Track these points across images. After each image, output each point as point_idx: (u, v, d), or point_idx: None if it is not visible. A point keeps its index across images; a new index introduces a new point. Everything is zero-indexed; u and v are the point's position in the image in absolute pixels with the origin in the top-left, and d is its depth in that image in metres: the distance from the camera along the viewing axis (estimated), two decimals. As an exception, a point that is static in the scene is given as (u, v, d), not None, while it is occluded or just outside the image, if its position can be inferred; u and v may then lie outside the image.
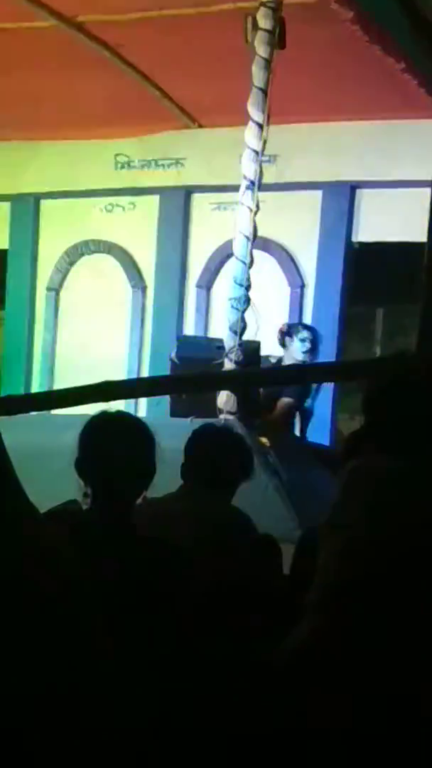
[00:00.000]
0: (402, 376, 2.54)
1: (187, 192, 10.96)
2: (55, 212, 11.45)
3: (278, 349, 8.83)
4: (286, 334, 8.70)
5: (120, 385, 5.98)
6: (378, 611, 2.08)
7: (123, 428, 3.34)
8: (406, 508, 2.20)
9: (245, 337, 7.83)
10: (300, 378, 7.57)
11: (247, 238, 7.79)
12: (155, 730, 2.67)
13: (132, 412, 6.76)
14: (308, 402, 8.82)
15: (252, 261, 7.82)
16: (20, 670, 2.20)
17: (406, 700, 2.09)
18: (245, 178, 7.80)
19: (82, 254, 11.36)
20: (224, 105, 9.21)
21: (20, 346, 11.46)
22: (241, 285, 7.78)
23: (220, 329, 8.51)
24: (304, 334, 8.69)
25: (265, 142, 7.77)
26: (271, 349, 8.69)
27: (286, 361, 8.58)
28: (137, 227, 11.11)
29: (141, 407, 9.34)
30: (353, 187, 10.38)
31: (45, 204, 11.50)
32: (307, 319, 10.08)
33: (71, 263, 11.39)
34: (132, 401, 9.07)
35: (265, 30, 7.76)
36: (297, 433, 8.84)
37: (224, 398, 7.56)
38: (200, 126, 10.67)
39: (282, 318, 9.75)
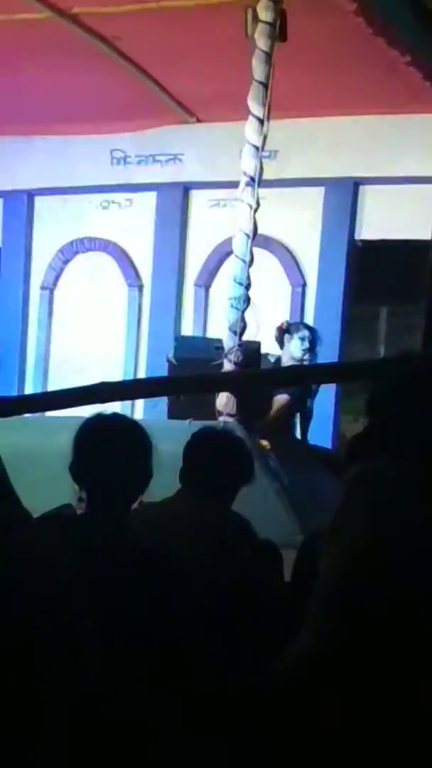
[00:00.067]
0: (406, 377, 2.53)
1: (186, 188, 10.97)
2: (49, 209, 11.46)
3: (278, 349, 8.82)
4: (285, 331, 8.69)
5: (116, 386, 5.96)
6: (381, 622, 2.07)
7: (119, 431, 3.33)
8: (412, 513, 2.19)
9: (245, 338, 7.83)
10: (301, 379, 7.56)
11: (247, 235, 7.79)
12: (149, 737, 2.66)
13: (128, 414, 6.75)
14: (308, 402, 8.82)
15: (252, 259, 7.81)
16: (14, 675, 2.20)
17: (410, 717, 2.08)
18: (245, 174, 7.81)
19: (77, 252, 11.37)
20: (224, 99, 9.21)
21: (13, 347, 11.46)
22: (240, 284, 7.78)
23: (219, 329, 8.51)
24: (304, 332, 8.69)
25: (265, 137, 7.77)
26: (271, 349, 8.69)
27: (285, 360, 8.57)
28: (134, 224, 11.12)
29: (138, 409, 9.34)
30: (356, 183, 10.39)
31: (39, 200, 11.51)
32: (309, 319, 10.08)
33: (66, 261, 11.40)
34: (128, 403, 9.07)
35: (266, 22, 7.76)
36: (298, 435, 8.83)
37: (223, 400, 7.56)
38: (199, 120, 10.67)
39: (283, 318, 9.74)
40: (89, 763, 2.40)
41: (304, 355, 8.55)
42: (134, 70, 9.58)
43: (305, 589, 2.23)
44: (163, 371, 8.27)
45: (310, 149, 10.18)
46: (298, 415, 8.79)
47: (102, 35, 9.00)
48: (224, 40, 8.21)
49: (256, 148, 7.77)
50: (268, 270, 10.01)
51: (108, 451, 3.27)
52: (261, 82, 7.76)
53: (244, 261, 7.79)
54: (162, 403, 8.00)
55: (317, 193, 10.46)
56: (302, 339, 8.62)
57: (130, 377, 10.56)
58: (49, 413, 6.56)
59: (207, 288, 10.84)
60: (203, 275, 10.85)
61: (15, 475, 2.92)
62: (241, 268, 7.79)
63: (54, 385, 10.71)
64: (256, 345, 8.10)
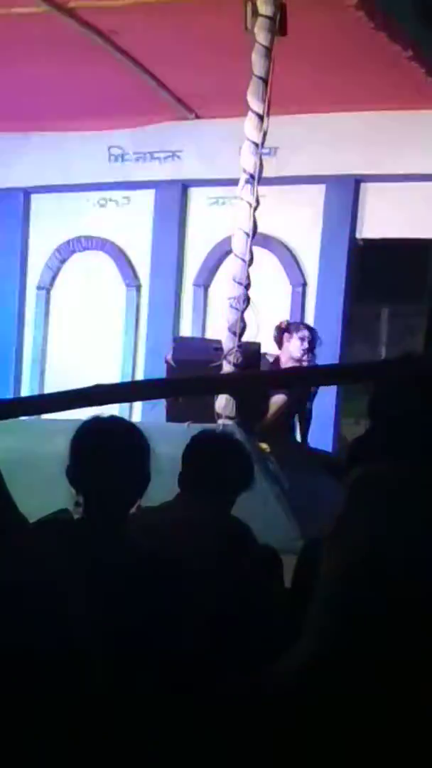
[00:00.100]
0: (409, 378, 2.53)
1: (184, 186, 10.97)
2: (45, 207, 11.46)
3: (276, 348, 8.81)
4: (284, 331, 8.70)
5: (113, 388, 5.96)
6: (383, 627, 2.08)
7: (116, 434, 3.34)
8: (414, 517, 2.19)
9: (245, 338, 7.83)
10: (302, 381, 7.56)
11: (247, 234, 7.78)
12: (149, 741, 2.67)
13: (126, 416, 6.74)
14: (306, 403, 8.83)
15: (252, 258, 7.81)
16: (12, 681, 2.21)
17: (411, 720, 2.09)
18: (245, 171, 7.80)
19: (74, 251, 11.37)
20: (223, 95, 9.21)
21: (9, 348, 11.46)
22: (240, 283, 7.77)
23: (218, 330, 8.50)
24: (304, 332, 8.70)
25: (265, 134, 7.77)
26: (271, 350, 8.69)
27: (283, 360, 8.58)
28: (132, 223, 11.12)
29: (135, 412, 9.34)
30: (357, 181, 10.39)
31: (35, 198, 11.51)
32: (309, 319, 10.08)
33: (62, 260, 11.41)
34: (126, 405, 9.08)
35: (266, 16, 7.76)
36: (298, 438, 8.84)
37: (223, 402, 7.56)
38: (198, 117, 10.67)
39: (283, 318, 9.75)
40: (90, 765, 2.40)
41: (303, 355, 8.56)
42: (132, 65, 9.58)
43: (305, 595, 2.23)
44: (161, 373, 8.27)
45: (310, 146, 10.18)
46: (297, 416, 8.80)
47: (99, 29, 9.01)
48: (223, 35, 8.21)
49: (256, 144, 7.77)
50: (268, 269, 10.02)
51: (105, 454, 3.28)
52: (261, 78, 7.76)
53: (243, 260, 7.79)
54: (160, 405, 8.00)
55: (318, 191, 10.46)
56: (302, 339, 8.63)
57: (128, 379, 10.56)
58: (45, 416, 6.56)
59: (206, 288, 10.84)
60: (202, 275, 10.86)
61: (11, 479, 2.92)
62: (240, 268, 7.79)
63: (50, 386, 10.71)
64: (256, 346, 8.10)
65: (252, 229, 7.79)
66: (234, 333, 7.72)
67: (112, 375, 10.23)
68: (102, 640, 2.62)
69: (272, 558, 4.25)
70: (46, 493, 3.34)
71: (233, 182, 8.16)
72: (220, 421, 7.45)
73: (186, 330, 10.80)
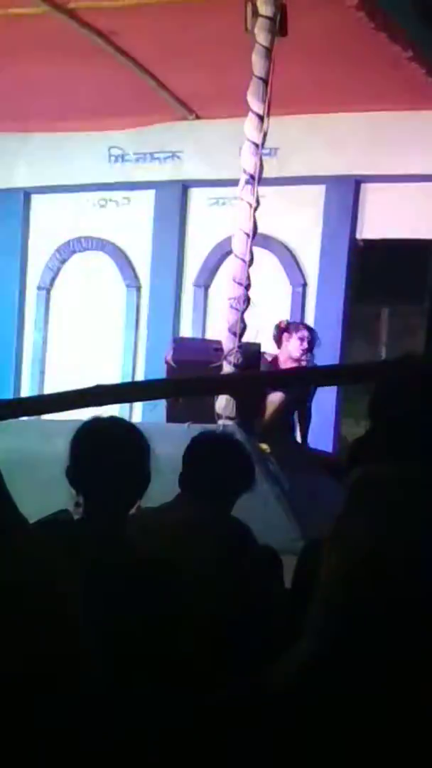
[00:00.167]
0: (409, 378, 2.52)
1: (184, 186, 10.97)
2: (45, 207, 11.46)
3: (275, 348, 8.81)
4: (284, 330, 8.70)
5: (113, 388, 5.97)
6: (384, 629, 2.07)
7: (116, 434, 3.33)
8: (416, 518, 2.19)
9: (245, 339, 7.82)
10: (302, 381, 7.57)
11: (247, 234, 7.78)
12: (149, 748, 2.66)
13: (126, 417, 6.75)
14: (306, 402, 8.83)
15: (252, 259, 7.81)
16: (9, 684, 2.20)
17: (412, 722, 2.08)
18: (245, 172, 7.80)
19: (74, 251, 11.37)
20: (223, 95, 9.22)
21: (9, 348, 11.47)
22: (240, 284, 7.77)
23: (218, 330, 8.50)
24: (303, 333, 8.70)
25: (265, 135, 7.77)
26: (270, 349, 8.69)
27: (282, 360, 8.59)
28: (132, 223, 11.12)
29: (136, 412, 9.35)
30: (358, 182, 10.40)
31: (35, 198, 11.52)
32: (310, 319, 10.09)
33: (63, 261, 11.41)
34: (126, 406, 9.08)
35: (266, 17, 7.76)
36: (298, 438, 8.84)
37: (223, 403, 7.56)
38: (198, 117, 10.68)
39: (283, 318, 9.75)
40: (89, 766, 2.40)
41: (302, 355, 8.56)
42: (132, 65, 9.58)
43: (305, 596, 2.23)
44: (161, 373, 8.27)
45: (310, 146, 10.18)
46: (296, 415, 8.79)
47: (99, 30, 9.01)
48: (223, 35, 8.22)
49: (256, 145, 7.77)
50: (268, 270, 10.02)
51: (105, 454, 3.27)
52: (261, 78, 7.76)
53: (243, 261, 7.78)
54: (160, 405, 8.00)
55: (318, 192, 10.46)
56: (301, 339, 8.64)
57: (128, 379, 10.56)
58: (45, 416, 6.56)
59: (206, 288, 10.84)
60: (202, 275, 10.86)
61: (11, 480, 2.92)
62: (240, 268, 7.79)
63: (51, 387, 10.72)
64: (256, 346, 8.10)
65: (252, 230, 7.78)
66: (234, 333, 7.72)
67: (112, 375, 10.23)
68: (102, 641, 2.61)
69: (272, 558, 4.25)
70: (46, 494, 3.34)
71: (233, 183, 8.16)
72: (221, 422, 7.45)
73: (186, 330, 10.80)
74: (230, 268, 8.06)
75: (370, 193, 10.40)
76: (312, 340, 8.65)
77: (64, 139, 11.00)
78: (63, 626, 2.29)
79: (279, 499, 6.89)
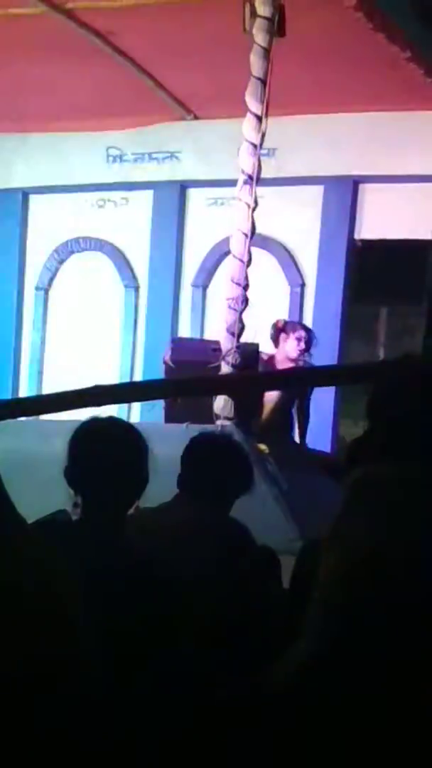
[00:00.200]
0: (408, 379, 2.52)
1: (183, 187, 10.97)
2: (43, 208, 11.46)
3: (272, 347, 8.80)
4: (281, 330, 8.70)
5: (112, 389, 5.96)
6: (383, 629, 2.07)
7: (115, 435, 3.34)
8: (414, 518, 2.19)
9: (243, 339, 7.82)
10: (301, 382, 7.57)
11: (245, 235, 7.78)
12: (148, 749, 2.66)
13: (124, 417, 6.75)
14: (304, 401, 8.82)
15: (250, 259, 7.81)
16: (8, 685, 2.20)
17: (412, 723, 2.08)
18: (243, 172, 7.80)
19: (72, 252, 11.37)
20: (221, 96, 9.21)
21: (7, 349, 11.46)
22: (238, 284, 7.77)
23: (216, 330, 8.50)
24: (301, 333, 8.70)
25: (263, 135, 7.76)
26: (268, 349, 8.69)
27: (279, 359, 8.59)
28: (130, 224, 11.12)
29: (134, 412, 9.34)
30: (356, 182, 10.39)
31: (33, 199, 11.51)
32: (308, 319, 10.09)
33: (61, 261, 11.40)
34: (124, 406, 9.08)
35: (264, 17, 7.76)
36: (296, 438, 8.84)
37: (221, 403, 7.56)
38: (196, 117, 10.67)
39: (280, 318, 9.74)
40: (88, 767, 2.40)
41: (299, 356, 8.57)
42: (130, 65, 9.58)
43: (304, 596, 2.23)
44: (159, 374, 8.26)
45: (309, 147, 10.18)
46: (293, 414, 8.79)
47: (97, 30, 9.01)
48: (222, 36, 8.22)
49: (254, 145, 7.77)
50: (266, 270, 10.02)
51: (103, 455, 3.28)
52: (259, 79, 7.76)
53: (242, 261, 7.78)
54: (158, 406, 8.00)
55: (316, 192, 10.46)
56: (298, 340, 8.64)
57: (126, 379, 10.56)
58: (43, 416, 6.56)
59: (204, 288, 10.84)
60: (201, 275, 10.86)
61: (9, 480, 2.91)
62: (239, 269, 7.79)
63: (49, 387, 10.71)
64: (255, 347, 8.10)
65: (250, 230, 7.78)
66: (232, 334, 7.72)
67: (110, 376, 10.23)
68: (100, 642, 2.61)
69: (270, 559, 4.25)
70: (44, 494, 3.34)
71: (232, 183, 8.15)
72: (219, 422, 7.45)
73: (184, 331, 10.80)
74: (228, 268, 8.05)
75: (369, 193, 10.40)
76: (309, 341, 8.66)
77: (62, 139, 11.00)
78: (61, 627, 2.29)
79: (277, 499, 6.89)
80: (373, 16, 8.32)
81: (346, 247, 10.44)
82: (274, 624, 3.65)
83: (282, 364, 8.58)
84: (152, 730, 2.67)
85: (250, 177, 7.77)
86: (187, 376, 7.35)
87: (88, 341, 11.00)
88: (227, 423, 7.44)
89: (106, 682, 2.44)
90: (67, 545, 3.03)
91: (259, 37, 7.78)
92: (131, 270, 11.14)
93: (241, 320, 7.73)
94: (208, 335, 9.98)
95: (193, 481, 4.13)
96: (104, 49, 9.24)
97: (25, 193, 11.47)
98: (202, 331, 10.64)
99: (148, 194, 11.07)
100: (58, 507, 3.37)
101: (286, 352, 8.59)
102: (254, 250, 8.01)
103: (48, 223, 11.38)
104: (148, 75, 9.80)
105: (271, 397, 8.42)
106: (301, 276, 10.56)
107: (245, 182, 7.79)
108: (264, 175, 7.93)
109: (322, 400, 9.27)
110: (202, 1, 8.27)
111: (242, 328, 7.75)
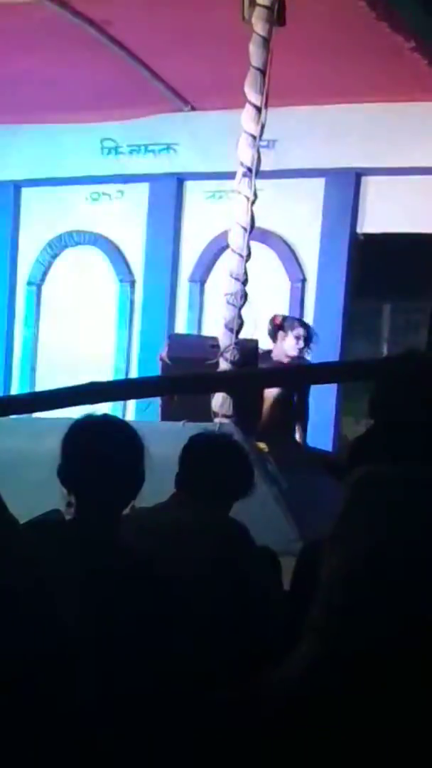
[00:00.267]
0: (410, 376, 2.53)
1: (180, 179, 10.97)
2: (36, 201, 11.45)
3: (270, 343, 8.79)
4: (279, 327, 8.69)
5: (107, 386, 5.96)
6: (385, 630, 2.07)
7: (109, 433, 3.33)
8: (417, 518, 2.19)
9: (242, 335, 7.82)
10: (301, 379, 7.56)
11: (244, 228, 7.78)
12: (148, 750, 2.67)
13: (120, 415, 6.75)
14: (303, 398, 8.82)
15: (249, 253, 7.81)
16: (2, 686, 2.21)
17: (412, 724, 2.09)
18: (242, 164, 7.79)
19: (66, 246, 11.36)
20: (219, 86, 9.21)
21: (-1, 345, 11.47)
22: (237, 279, 7.77)
23: (214, 327, 8.50)
24: (299, 330, 8.69)
25: (263, 126, 7.76)
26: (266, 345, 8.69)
27: (275, 355, 8.58)
28: (125, 217, 11.11)
29: (129, 410, 9.33)
30: (358, 175, 10.39)
31: (26, 192, 11.50)
32: (309, 315, 10.09)
33: (54, 256, 11.40)
34: (120, 404, 9.07)
35: (264, 6, 7.75)
36: (297, 437, 8.83)
37: (219, 401, 7.55)
38: (193, 109, 10.67)
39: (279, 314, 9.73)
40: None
41: (298, 353, 8.56)
42: (126, 55, 9.57)
43: (305, 598, 2.23)
44: (155, 370, 8.26)
45: (309, 139, 10.18)
46: (292, 411, 8.77)
47: (92, 19, 9.00)
48: (220, 25, 8.21)
49: (254, 137, 7.76)
50: (266, 265, 10.00)
51: (98, 453, 3.27)
52: (258, 69, 7.75)
53: (240, 255, 7.78)
54: (155, 404, 7.99)
55: (317, 185, 10.46)
56: (297, 338, 8.63)
57: (122, 376, 10.56)
58: (36, 414, 6.55)
59: (202, 284, 10.84)
60: (198, 270, 10.85)
61: (1, 479, 2.92)
62: (237, 263, 7.78)
63: (42, 384, 10.71)
64: (254, 343, 8.09)
65: (249, 224, 7.78)
66: (231, 330, 7.72)
67: (105, 373, 10.22)
68: (95, 643, 2.61)
69: (271, 560, 4.25)
70: (37, 494, 3.34)
71: (230, 175, 8.15)
72: (217, 420, 7.45)
73: (181, 327, 10.79)
74: (227, 263, 8.04)
75: (371, 186, 10.39)
76: (308, 337, 8.64)
77: (55, 130, 10.99)
78: (54, 627, 2.29)
79: (277, 499, 6.88)
80: (376, 5, 8.31)
81: (348, 241, 10.43)
82: (275, 625, 3.65)
83: (279, 360, 8.57)
84: (152, 730, 2.67)
85: (249, 169, 7.76)
86: (184, 373, 7.35)
87: (82, 338, 11.00)
88: (226, 421, 7.43)
89: (103, 683, 2.44)
90: (60, 546, 3.03)
91: (259, 26, 7.77)
92: (126, 265, 11.13)
93: (239, 316, 7.73)
94: (206, 331, 9.98)
95: (191, 481, 4.13)
96: (100, 39, 9.23)
97: (17, 186, 11.46)
98: (199, 328, 10.64)
99: (144, 187, 11.07)
100: (51, 507, 3.37)
101: (284, 350, 8.58)
102: (253, 244, 8.01)
103: (41, 217, 11.38)
104: (144, 65, 9.79)
105: (270, 394, 8.42)
106: (301, 271, 10.56)
107: (244, 175, 7.78)
108: (263, 167, 7.92)
109: (324, 397, 9.27)
110: (199, -11, 8.28)
111: (241, 324, 7.75)
